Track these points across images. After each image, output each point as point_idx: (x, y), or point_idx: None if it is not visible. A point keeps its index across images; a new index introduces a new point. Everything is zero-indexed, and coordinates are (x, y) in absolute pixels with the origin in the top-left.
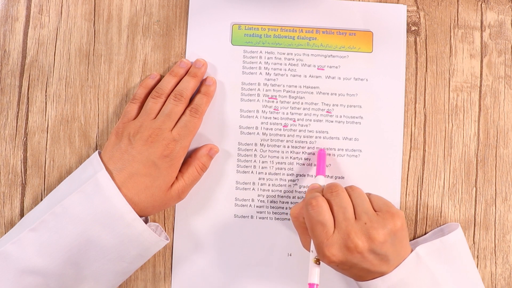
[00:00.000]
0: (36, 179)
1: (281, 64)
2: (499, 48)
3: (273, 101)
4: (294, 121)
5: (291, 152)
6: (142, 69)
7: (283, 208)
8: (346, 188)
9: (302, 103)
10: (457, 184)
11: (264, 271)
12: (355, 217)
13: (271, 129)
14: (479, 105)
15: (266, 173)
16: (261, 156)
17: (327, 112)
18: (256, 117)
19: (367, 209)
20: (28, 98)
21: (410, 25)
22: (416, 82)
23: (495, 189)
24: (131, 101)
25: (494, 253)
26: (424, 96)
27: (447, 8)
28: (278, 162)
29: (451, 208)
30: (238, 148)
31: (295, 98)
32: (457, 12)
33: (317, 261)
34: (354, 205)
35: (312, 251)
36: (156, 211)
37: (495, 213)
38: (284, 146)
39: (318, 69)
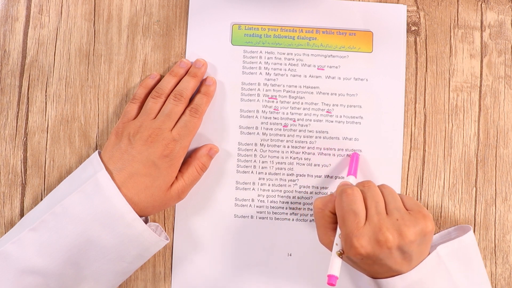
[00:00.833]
0: (36, 179)
1: (281, 64)
2: (499, 48)
3: (273, 101)
4: (294, 121)
5: (291, 152)
6: (142, 69)
7: (283, 208)
8: (378, 186)
9: (302, 103)
10: (457, 184)
11: (264, 271)
12: (387, 213)
13: (271, 129)
14: (479, 105)
15: (266, 173)
16: (261, 156)
17: (327, 112)
18: (256, 117)
19: (399, 206)
20: (28, 98)
21: (410, 25)
22: (416, 82)
23: (495, 189)
24: (131, 101)
25: (494, 253)
26: (424, 96)
27: (447, 8)
28: (278, 162)
29: (451, 208)
30: (238, 148)
31: (295, 98)
32: (457, 12)
33: (340, 254)
34: (386, 201)
35: (336, 244)
36: (156, 211)
37: (495, 213)
38: (284, 146)
39: (318, 69)
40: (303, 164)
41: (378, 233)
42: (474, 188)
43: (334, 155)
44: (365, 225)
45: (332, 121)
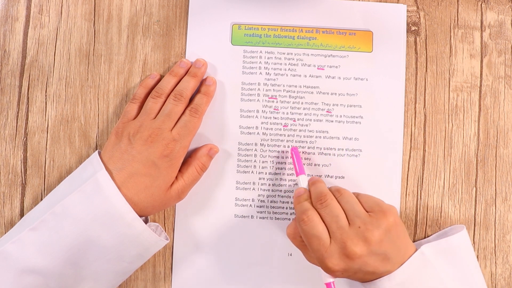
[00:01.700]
0: (36, 179)
1: (281, 64)
2: (499, 48)
3: (273, 101)
4: (294, 121)
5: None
6: (142, 69)
7: (283, 208)
8: (333, 192)
9: (302, 103)
10: (457, 184)
11: (264, 271)
12: (349, 223)
13: (271, 129)
14: (479, 105)
15: (266, 173)
16: (261, 156)
17: (327, 112)
18: (256, 117)
19: (359, 212)
20: (28, 98)
21: (410, 25)
22: (416, 82)
23: (495, 189)
24: (131, 101)
25: (494, 253)
26: (424, 96)
27: (447, 8)
28: (278, 162)
29: (451, 208)
30: (238, 148)
31: (295, 98)
32: (457, 12)
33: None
34: (345, 210)
35: None
36: (156, 211)
37: (495, 213)
38: (284, 146)
39: (318, 69)
40: (303, 164)
41: (344, 248)
42: (474, 188)
43: (334, 155)
44: (330, 243)
45: (332, 121)
